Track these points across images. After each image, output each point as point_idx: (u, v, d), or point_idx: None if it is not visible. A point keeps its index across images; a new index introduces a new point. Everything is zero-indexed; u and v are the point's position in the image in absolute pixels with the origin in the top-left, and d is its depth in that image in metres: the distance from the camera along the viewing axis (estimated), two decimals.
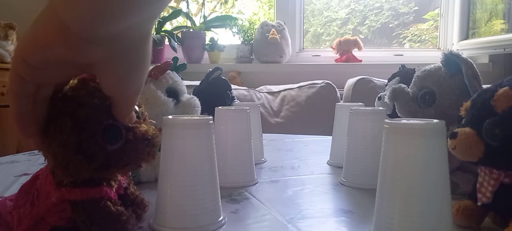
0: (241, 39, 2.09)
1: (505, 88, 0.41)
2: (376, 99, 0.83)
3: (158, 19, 2.03)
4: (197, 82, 0.93)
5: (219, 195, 0.48)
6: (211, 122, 0.47)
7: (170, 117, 0.47)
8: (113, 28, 0.30)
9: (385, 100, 0.68)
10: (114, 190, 0.41)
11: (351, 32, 2.35)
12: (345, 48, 2.10)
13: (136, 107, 0.39)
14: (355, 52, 2.11)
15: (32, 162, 0.83)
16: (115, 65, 0.33)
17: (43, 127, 0.35)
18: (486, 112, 0.41)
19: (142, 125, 0.39)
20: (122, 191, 0.43)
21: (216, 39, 2.05)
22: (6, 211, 0.42)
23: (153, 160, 0.40)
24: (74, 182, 0.37)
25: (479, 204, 0.43)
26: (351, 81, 1.81)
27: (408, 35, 2.33)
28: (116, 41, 0.31)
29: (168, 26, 2.15)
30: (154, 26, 2.03)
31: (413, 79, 0.63)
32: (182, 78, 0.72)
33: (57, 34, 0.29)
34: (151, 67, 0.68)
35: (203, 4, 2.21)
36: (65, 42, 0.30)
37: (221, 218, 0.47)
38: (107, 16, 0.28)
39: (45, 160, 0.38)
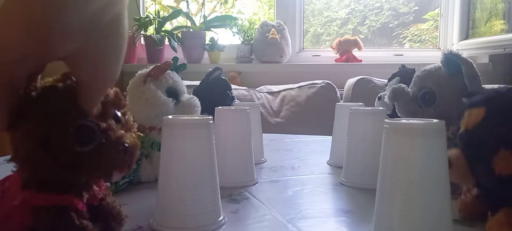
0: (241, 39, 2.09)
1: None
2: (376, 99, 0.83)
3: (158, 19, 2.03)
4: (197, 82, 0.93)
5: (219, 195, 0.48)
6: (211, 121, 0.47)
7: (170, 116, 0.47)
8: (81, 13, 0.28)
9: (385, 100, 0.68)
10: (84, 200, 0.37)
11: (351, 32, 2.35)
12: (345, 48, 2.10)
13: (118, 113, 0.36)
14: (355, 52, 2.11)
15: None
16: (90, 54, 0.31)
17: (13, 116, 0.32)
18: None
19: (121, 131, 0.35)
20: (96, 202, 0.39)
21: (216, 39, 2.05)
22: None
23: (129, 171, 0.36)
24: (41, 187, 0.34)
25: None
26: (351, 81, 1.81)
27: (408, 35, 2.33)
28: (88, 28, 0.30)
29: (168, 26, 2.15)
30: (154, 26, 2.03)
31: (413, 79, 0.63)
32: (182, 78, 0.72)
33: (27, 30, 0.28)
34: (151, 67, 0.68)
35: (203, 4, 2.21)
36: (35, 38, 0.28)
37: (221, 218, 0.47)
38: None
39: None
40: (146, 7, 2.27)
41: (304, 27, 2.27)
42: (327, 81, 1.83)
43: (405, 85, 0.63)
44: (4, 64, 0.30)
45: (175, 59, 0.74)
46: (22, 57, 0.30)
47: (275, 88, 1.89)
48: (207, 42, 2.06)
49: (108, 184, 0.41)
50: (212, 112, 0.65)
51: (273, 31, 2.00)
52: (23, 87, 0.32)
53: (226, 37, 2.20)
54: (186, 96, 0.70)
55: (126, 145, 0.35)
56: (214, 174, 0.47)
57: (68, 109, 0.33)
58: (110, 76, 0.33)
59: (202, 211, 0.45)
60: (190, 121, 0.46)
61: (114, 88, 0.37)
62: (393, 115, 0.68)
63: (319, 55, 2.21)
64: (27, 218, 0.34)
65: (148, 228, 0.46)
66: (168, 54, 2.03)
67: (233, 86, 1.02)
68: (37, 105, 0.32)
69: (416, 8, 2.31)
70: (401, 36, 2.32)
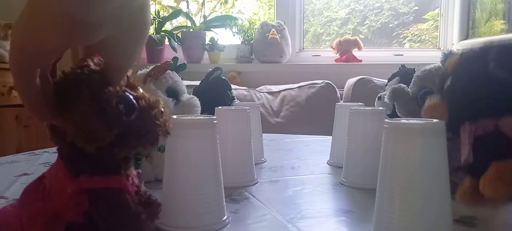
0: (241, 39, 2.09)
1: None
2: (376, 99, 0.83)
3: (158, 19, 2.03)
4: (197, 82, 0.93)
5: (223, 195, 0.48)
6: (215, 121, 0.47)
7: (174, 116, 0.47)
8: (109, 6, 0.30)
9: (385, 100, 0.68)
10: (130, 182, 0.39)
11: (351, 32, 2.35)
12: (345, 48, 2.10)
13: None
14: (355, 52, 2.11)
15: (32, 162, 0.83)
16: (119, 40, 0.33)
17: (56, 103, 0.34)
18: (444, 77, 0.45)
19: (149, 96, 0.38)
20: (135, 189, 0.41)
21: (216, 39, 2.05)
22: (10, 216, 0.39)
23: (169, 133, 0.38)
24: (94, 171, 0.36)
25: (463, 163, 0.44)
26: (351, 81, 1.81)
27: (408, 35, 2.33)
28: (117, 17, 0.31)
29: (168, 26, 2.15)
30: (154, 26, 2.03)
31: (413, 79, 0.63)
32: (182, 78, 0.72)
33: (58, 24, 0.29)
34: (151, 67, 0.68)
35: (203, 4, 2.21)
36: (68, 31, 0.30)
37: (225, 217, 0.47)
38: None
39: (57, 148, 0.36)
40: None
41: (304, 27, 2.27)
42: (327, 81, 1.83)
43: (405, 85, 0.63)
44: (38, 56, 0.31)
45: (175, 59, 0.74)
46: (54, 48, 0.31)
47: (275, 88, 1.89)
48: (207, 42, 2.06)
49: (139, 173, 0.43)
50: (212, 112, 0.65)
51: (273, 31, 2.00)
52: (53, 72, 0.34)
53: (226, 37, 2.20)
54: (186, 96, 0.70)
55: (161, 107, 0.37)
56: (218, 173, 0.47)
57: (106, 85, 0.35)
58: (136, 57, 0.36)
59: (206, 210, 0.45)
60: (195, 121, 0.46)
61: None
62: (393, 115, 0.68)
63: (319, 55, 2.21)
64: (83, 205, 0.36)
65: (153, 227, 0.46)
66: (168, 54, 2.03)
67: (233, 86, 1.02)
68: (82, 82, 0.34)
69: (416, 8, 2.31)
70: (401, 36, 2.32)
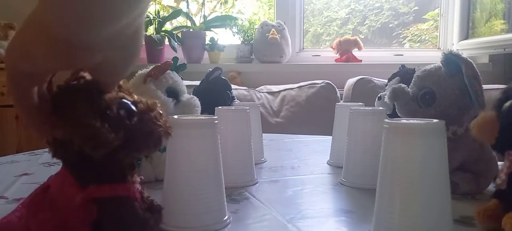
0: (241, 39, 2.09)
1: None
2: (376, 99, 0.83)
3: (158, 19, 2.03)
4: (197, 82, 0.93)
5: (224, 195, 0.48)
6: (216, 121, 0.47)
7: (175, 116, 0.47)
8: (105, 32, 0.29)
9: (385, 100, 0.68)
10: (136, 186, 0.39)
11: (351, 32, 2.35)
12: (345, 48, 2.10)
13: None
14: (355, 52, 2.11)
15: (32, 162, 0.83)
16: (112, 63, 0.33)
17: (56, 112, 0.34)
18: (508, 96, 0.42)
19: (146, 100, 0.39)
20: (139, 195, 0.41)
21: (216, 39, 2.05)
22: (16, 227, 0.38)
23: (170, 134, 0.39)
24: (101, 180, 0.36)
25: (496, 186, 0.43)
26: (351, 81, 1.81)
27: (408, 35, 2.33)
28: (112, 41, 0.31)
29: (168, 26, 2.15)
30: (154, 26, 2.03)
31: (413, 79, 0.63)
32: (182, 78, 0.72)
33: (54, 49, 0.29)
34: (151, 67, 0.68)
35: (203, 4, 2.21)
36: (63, 55, 0.29)
37: (226, 217, 0.47)
38: (98, 21, 0.28)
39: (59, 158, 0.37)
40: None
41: (304, 27, 2.27)
42: (327, 81, 1.83)
43: (405, 85, 0.63)
44: (33, 75, 0.31)
45: (175, 59, 0.74)
46: (47, 70, 0.31)
47: (275, 88, 1.89)
48: (207, 42, 2.06)
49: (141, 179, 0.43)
50: (212, 112, 0.65)
51: (273, 31, 2.00)
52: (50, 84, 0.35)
53: (226, 37, 2.20)
54: (186, 96, 0.70)
55: (159, 109, 0.38)
56: (219, 173, 0.47)
57: (102, 94, 0.35)
58: (127, 72, 0.36)
59: (207, 210, 0.45)
60: (196, 121, 0.46)
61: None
62: (393, 115, 0.68)
63: (319, 55, 2.21)
64: (92, 214, 0.36)
65: None
66: (168, 54, 2.03)
67: (233, 86, 1.02)
68: (80, 91, 0.34)
69: (416, 8, 2.31)
70: (401, 36, 2.32)
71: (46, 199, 0.38)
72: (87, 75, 0.36)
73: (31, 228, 0.37)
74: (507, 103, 0.42)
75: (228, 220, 0.47)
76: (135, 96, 0.38)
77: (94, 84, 0.35)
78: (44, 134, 0.34)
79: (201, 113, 0.70)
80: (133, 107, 0.36)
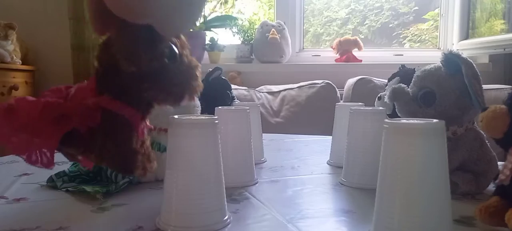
0: (241, 39, 2.09)
1: None
2: (376, 99, 0.83)
3: None
4: None
5: (225, 194, 0.48)
6: (217, 121, 0.47)
7: (176, 116, 0.47)
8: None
9: (385, 100, 0.68)
10: (142, 126, 0.41)
11: (351, 32, 2.35)
12: (345, 48, 2.10)
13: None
14: (355, 52, 2.11)
15: None
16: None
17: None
18: None
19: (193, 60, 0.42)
20: (142, 135, 0.43)
21: (216, 39, 2.05)
22: (30, 99, 0.41)
23: (193, 98, 0.41)
24: (116, 96, 0.38)
25: (497, 183, 0.43)
26: (351, 81, 1.81)
27: (408, 35, 2.32)
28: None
29: None
30: None
31: (413, 79, 0.63)
32: None
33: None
34: None
35: None
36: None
37: (227, 217, 0.48)
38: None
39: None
40: None
41: (304, 27, 2.27)
42: (327, 81, 1.82)
43: (405, 85, 0.63)
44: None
45: None
46: None
47: (275, 88, 1.89)
48: (207, 42, 2.06)
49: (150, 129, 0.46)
50: (212, 112, 0.65)
51: (273, 31, 2.00)
52: None
53: (226, 37, 2.20)
54: None
55: (197, 72, 0.41)
56: (220, 173, 0.47)
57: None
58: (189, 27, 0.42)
59: (208, 210, 0.45)
60: (197, 121, 0.47)
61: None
62: (393, 115, 0.68)
63: (319, 55, 2.21)
64: (94, 120, 0.38)
65: (154, 226, 0.46)
66: None
67: (233, 86, 1.02)
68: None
69: (416, 8, 2.31)
70: (401, 36, 2.32)
71: (65, 92, 0.41)
72: None
73: (41, 102, 0.40)
74: None
75: (228, 220, 0.47)
76: (187, 51, 0.41)
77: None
78: (96, 29, 0.38)
79: (201, 114, 0.70)
80: (177, 52, 0.39)
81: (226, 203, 0.48)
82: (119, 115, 0.38)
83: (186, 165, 0.45)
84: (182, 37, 0.42)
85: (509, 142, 0.42)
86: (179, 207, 0.45)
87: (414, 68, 0.78)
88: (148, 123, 0.43)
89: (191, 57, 0.41)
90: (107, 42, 0.38)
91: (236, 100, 0.93)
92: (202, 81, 0.94)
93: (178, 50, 0.39)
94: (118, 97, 0.38)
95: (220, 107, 0.68)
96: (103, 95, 0.38)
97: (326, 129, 0.97)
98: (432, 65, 0.61)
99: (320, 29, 2.41)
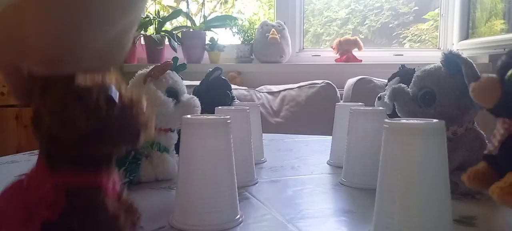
0: (241, 39, 2.09)
1: None
2: (376, 99, 0.83)
3: (158, 19, 2.03)
4: (197, 82, 0.93)
5: (237, 193, 0.48)
6: (229, 121, 0.47)
7: (188, 116, 0.48)
8: (98, 44, 0.29)
9: (385, 100, 0.68)
10: (111, 182, 0.37)
11: (351, 32, 2.35)
12: (345, 48, 2.10)
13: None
14: (355, 52, 2.11)
15: (32, 162, 0.82)
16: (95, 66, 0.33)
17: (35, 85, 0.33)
18: None
19: (131, 96, 0.36)
20: (116, 193, 0.39)
21: (216, 39, 2.05)
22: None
23: (150, 133, 0.37)
24: (73, 168, 0.34)
25: (486, 152, 0.43)
26: (351, 81, 1.81)
27: (408, 35, 2.32)
28: (103, 53, 0.31)
29: (168, 26, 2.15)
30: (154, 26, 2.03)
31: (413, 79, 0.63)
32: (182, 78, 0.72)
33: (34, 59, 0.29)
34: (151, 67, 0.68)
35: (203, 4, 2.21)
36: (45, 65, 0.30)
37: (239, 216, 0.48)
38: (87, 34, 0.28)
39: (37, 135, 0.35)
40: (146, 7, 2.27)
41: (304, 27, 2.27)
42: (327, 81, 1.82)
43: (405, 86, 0.63)
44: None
45: (175, 59, 0.74)
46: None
47: (275, 88, 1.89)
48: (207, 42, 2.06)
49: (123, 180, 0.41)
50: (212, 112, 0.65)
51: (273, 31, 2.00)
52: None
53: (226, 37, 2.20)
54: (186, 96, 0.70)
55: (143, 105, 0.36)
56: (232, 172, 0.48)
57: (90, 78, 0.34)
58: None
59: (221, 208, 0.46)
60: (210, 120, 0.47)
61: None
62: (393, 115, 0.68)
63: (319, 55, 2.21)
64: (60, 203, 0.34)
65: (168, 225, 0.47)
66: (168, 54, 2.03)
67: (233, 86, 1.02)
68: (61, 79, 0.33)
69: (416, 8, 2.31)
70: (401, 36, 2.32)
71: (21, 188, 0.37)
72: None
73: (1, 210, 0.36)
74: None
75: (241, 219, 0.48)
76: (123, 87, 0.36)
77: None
78: (20, 99, 0.33)
79: (201, 113, 0.70)
80: (115, 95, 0.34)
81: (238, 201, 0.49)
82: (83, 188, 0.34)
83: (200, 164, 0.46)
84: (114, 71, 0.37)
85: (500, 111, 0.42)
86: (193, 206, 0.46)
87: (414, 68, 0.78)
88: (116, 175, 0.39)
89: (131, 90, 0.37)
90: (37, 116, 0.34)
91: (236, 100, 0.93)
92: (202, 81, 0.94)
93: (116, 92, 0.34)
94: (73, 168, 0.34)
95: (220, 107, 0.68)
96: (58, 172, 0.34)
97: (326, 129, 0.97)
98: (432, 65, 0.61)
99: (320, 29, 2.41)
